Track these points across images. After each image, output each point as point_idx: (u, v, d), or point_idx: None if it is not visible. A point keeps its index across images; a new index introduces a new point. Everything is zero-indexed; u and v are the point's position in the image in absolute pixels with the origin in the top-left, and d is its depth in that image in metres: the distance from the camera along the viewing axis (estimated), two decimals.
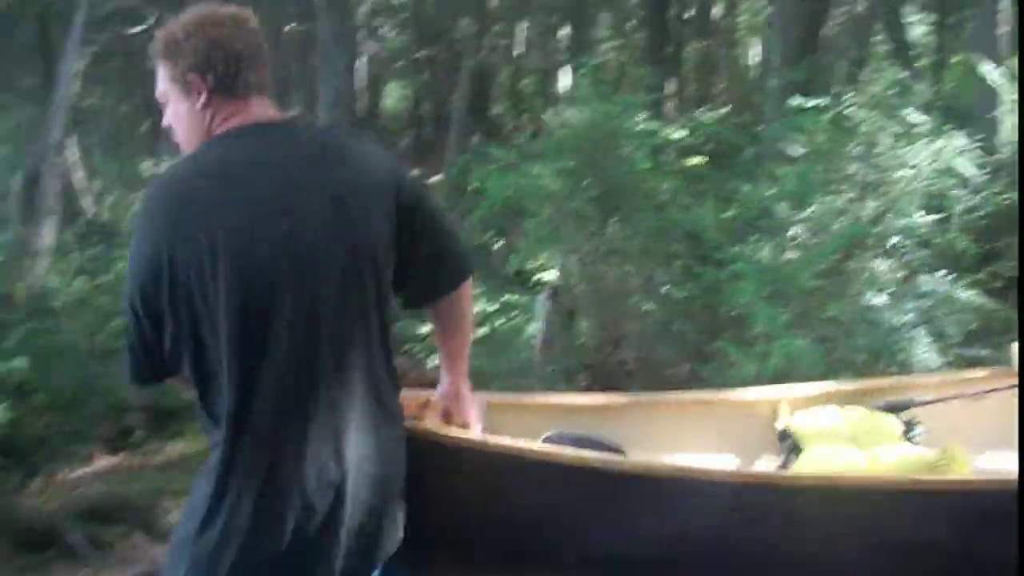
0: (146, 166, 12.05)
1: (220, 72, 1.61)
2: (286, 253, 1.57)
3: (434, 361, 5.25)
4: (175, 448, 4.95)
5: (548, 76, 12.50)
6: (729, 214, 4.75)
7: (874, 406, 2.83)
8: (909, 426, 2.81)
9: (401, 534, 1.76)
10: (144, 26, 11.94)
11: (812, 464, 2.63)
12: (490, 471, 2.22)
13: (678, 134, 5.40)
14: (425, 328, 5.60)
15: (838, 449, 2.67)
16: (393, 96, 17.51)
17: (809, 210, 4.21)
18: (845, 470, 2.59)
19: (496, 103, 13.67)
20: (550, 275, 5.39)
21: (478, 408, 2.20)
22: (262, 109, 1.67)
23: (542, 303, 5.31)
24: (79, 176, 9.12)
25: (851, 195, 4.33)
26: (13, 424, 4.37)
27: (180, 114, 1.67)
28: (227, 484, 1.55)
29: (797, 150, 4.68)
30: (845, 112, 4.49)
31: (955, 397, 2.84)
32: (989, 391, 2.82)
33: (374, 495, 1.65)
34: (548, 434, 2.62)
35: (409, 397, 1.99)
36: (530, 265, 5.59)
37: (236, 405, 1.55)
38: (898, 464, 2.62)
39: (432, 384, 2.16)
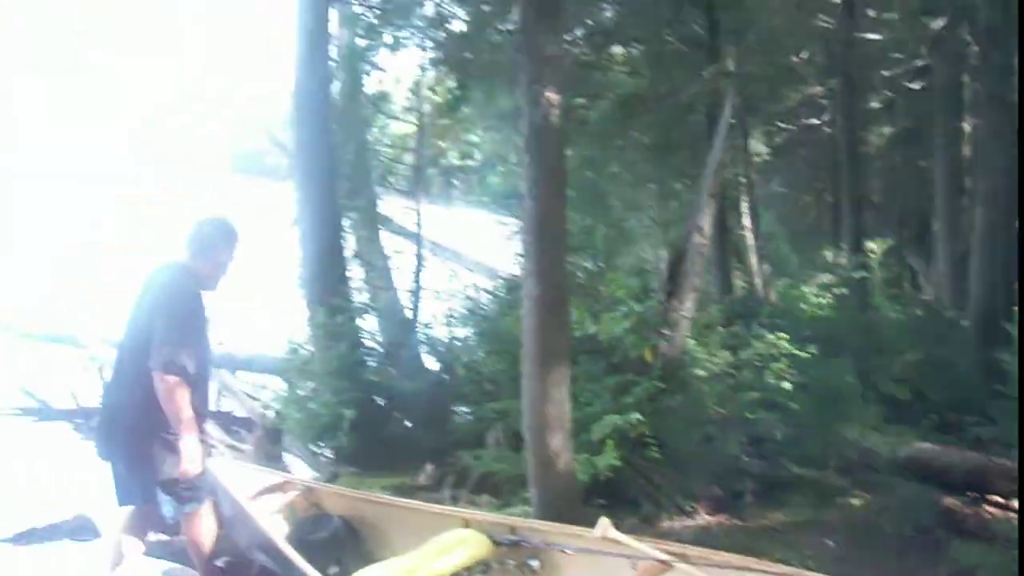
0: (827, 255, 12.34)
1: None
2: None
3: None
4: (776, 515, 5.16)
5: None
6: None
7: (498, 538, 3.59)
8: (532, 557, 3.53)
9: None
10: (825, 117, 12.46)
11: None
12: None
13: None
14: None
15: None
16: None
17: None
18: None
19: None
20: None
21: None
22: None
23: None
24: (752, 259, 10.02)
25: None
26: (622, 471, 4.92)
27: None
28: None
29: None
30: None
31: (560, 549, 3.40)
32: (584, 550, 3.35)
33: None
34: None
35: None
36: None
37: None
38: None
39: None
